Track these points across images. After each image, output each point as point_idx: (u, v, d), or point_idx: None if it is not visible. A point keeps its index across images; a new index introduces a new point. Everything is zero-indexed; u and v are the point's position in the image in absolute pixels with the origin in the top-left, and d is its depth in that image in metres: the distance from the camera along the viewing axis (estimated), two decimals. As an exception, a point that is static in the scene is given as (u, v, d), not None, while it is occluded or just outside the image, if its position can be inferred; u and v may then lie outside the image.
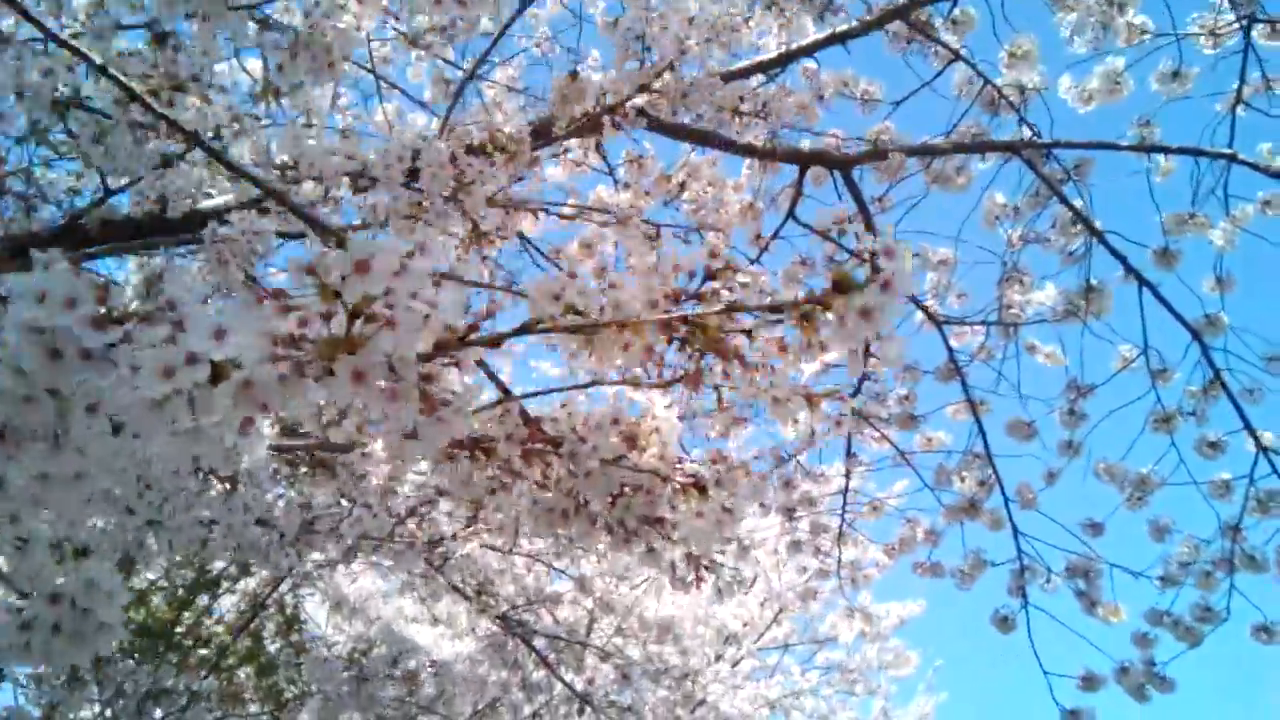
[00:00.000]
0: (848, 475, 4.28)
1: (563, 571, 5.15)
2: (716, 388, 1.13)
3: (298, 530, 1.75)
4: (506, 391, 1.08)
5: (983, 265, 3.84)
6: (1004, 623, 3.95)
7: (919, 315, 3.99)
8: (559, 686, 5.50)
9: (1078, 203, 3.41)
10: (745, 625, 9.29)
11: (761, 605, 9.51)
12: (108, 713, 3.18)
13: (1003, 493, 3.84)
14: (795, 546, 4.72)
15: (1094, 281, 3.51)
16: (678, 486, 1.09)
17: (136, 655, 3.43)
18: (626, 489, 1.09)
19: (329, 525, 1.78)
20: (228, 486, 1.63)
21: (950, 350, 3.77)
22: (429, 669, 4.37)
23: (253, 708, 3.43)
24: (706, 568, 1.38)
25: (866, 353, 4.07)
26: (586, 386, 1.09)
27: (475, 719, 4.25)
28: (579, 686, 5.34)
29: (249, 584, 3.99)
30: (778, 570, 9.29)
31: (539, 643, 5.36)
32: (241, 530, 1.69)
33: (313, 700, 2.70)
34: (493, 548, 5.20)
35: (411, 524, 2.79)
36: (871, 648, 9.86)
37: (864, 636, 9.36)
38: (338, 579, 5.36)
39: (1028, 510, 3.82)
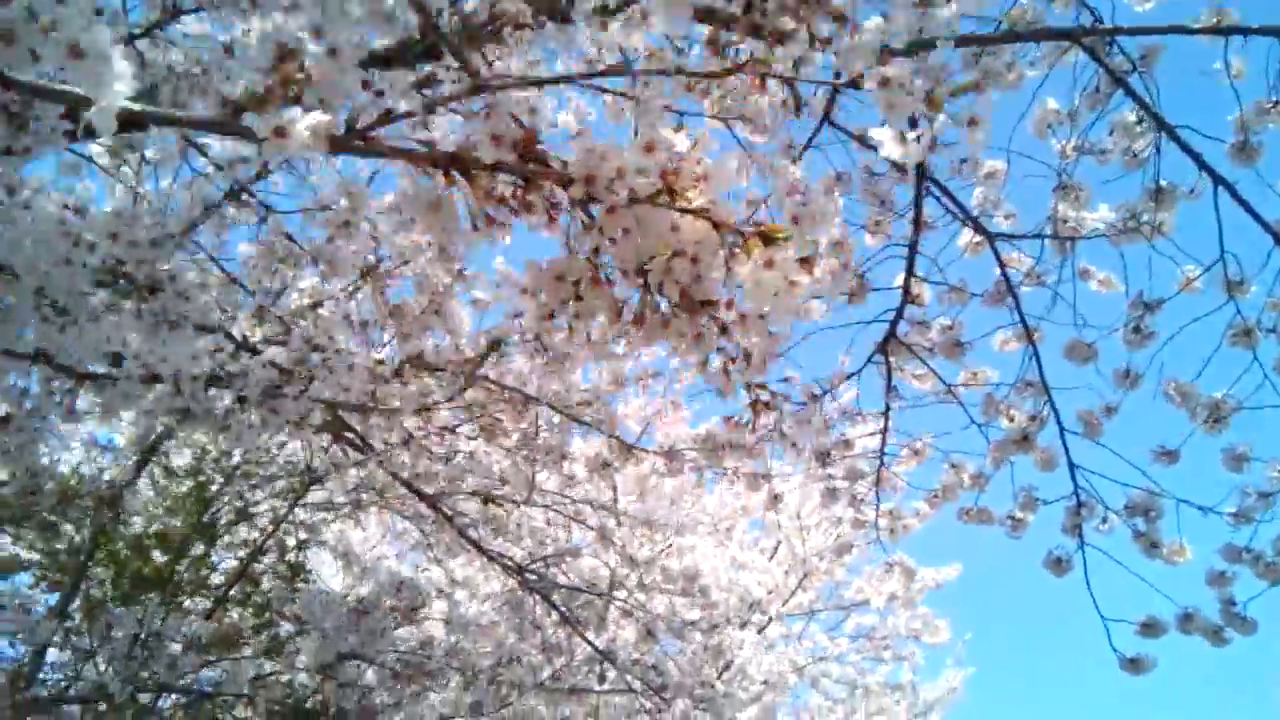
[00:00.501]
0: (886, 412, 3.99)
1: (583, 522, 4.89)
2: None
3: (262, 393, 1.49)
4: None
5: (1032, 179, 3.49)
6: (1058, 564, 3.66)
7: (966, 234, 3.68)
8: (580, 646, 5.26)
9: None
10: (770, 592, 9.03)
11: (786, 573, 9.25)
12: (98, 658, 2.96)
13: (1059, 422, 3.55)
14: (831, 494, 4.43)
15: (1163, 184, 3.19)
16: (738, 239, 0.81)
17: (129, 602, 3.21)
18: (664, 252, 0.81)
19: (296, 391, 1.51)
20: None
21: (1002, 266, 3.46)
22: (442, 619, 4.13)
23: (247, 651, 3.21)
24: (766, 399, 1.10)
25: (910, 275, 3.78)
26: (601, 75, 0.80)
27: (494, 672, 4.02)
28: (601, 645, 5.10)
29: (250, 534, 3.77)
30: (801, 536, 9.04)
31: (558, 599, 5.12)
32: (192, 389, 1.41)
33: (309, 639, 2.47)
34: (507, 499, 4.95)
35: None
36: (901, 616, 9.59)
37: (896, 600, 9.10)
38: (347, 534, 5.14)
39: (1087, 441, 3.52)
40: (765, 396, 1.21)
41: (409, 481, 4.40)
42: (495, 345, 2.64)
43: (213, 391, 1.45)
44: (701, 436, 3.57)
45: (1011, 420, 3.90)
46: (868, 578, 9.45)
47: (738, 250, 0.88)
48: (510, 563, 5.02)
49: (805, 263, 0.84)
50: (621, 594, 4.85)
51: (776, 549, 9.46)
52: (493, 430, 4.33)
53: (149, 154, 3.16)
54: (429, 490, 4.50)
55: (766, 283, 0.85)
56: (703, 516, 7.28)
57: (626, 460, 3.41)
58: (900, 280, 3.68)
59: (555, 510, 4.90)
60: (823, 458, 4.33)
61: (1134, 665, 3.57)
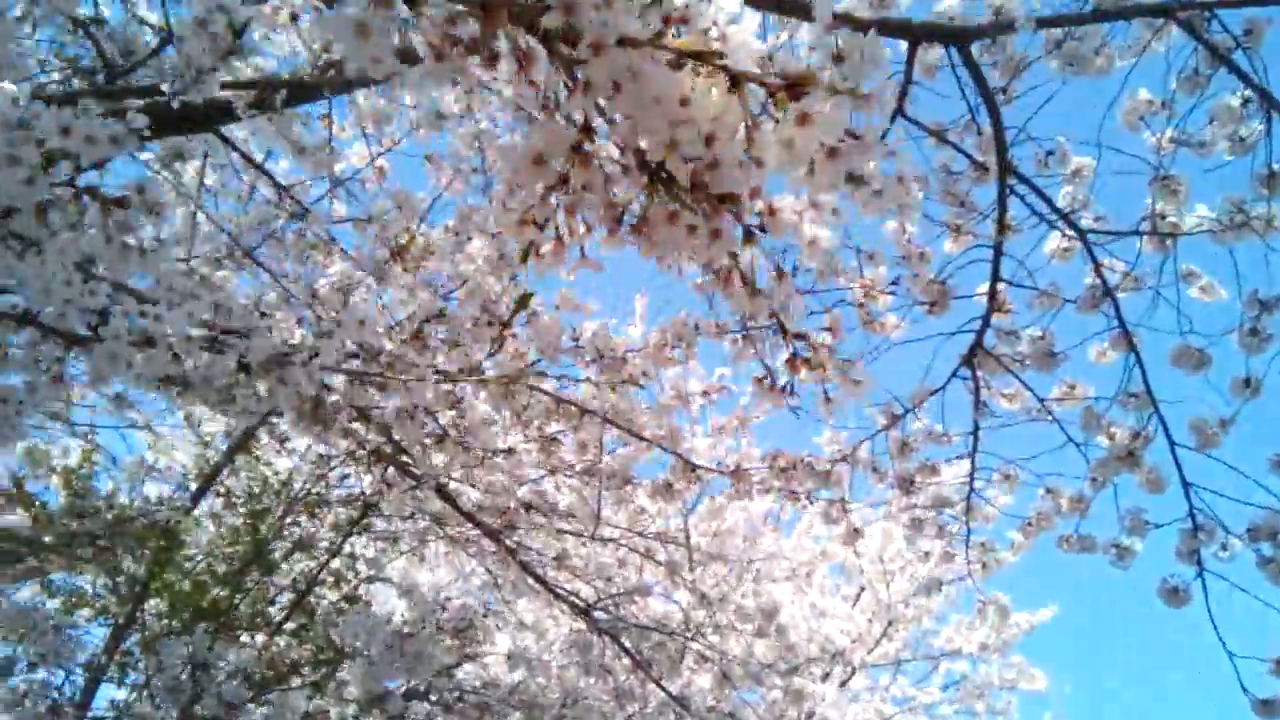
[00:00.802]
0: (975, 432, 3.71)
1: (653, 558, 4.67)
2: None
3: (269, 360, 1.35)
4: None
5: (1123, 176, 3.24)
6: (1175, 595, 3.32)
7: (1055, 238, 3.44)
8: (654, 692, 5.01)
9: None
10: (853, 641, 8.63)
11: (870, 620, 8.83)
12: (150, 691, 2.85)
13: (1168, 437, 3.23)
14: (916, 526, 4.15)
15: (1276, 168, 2.91)
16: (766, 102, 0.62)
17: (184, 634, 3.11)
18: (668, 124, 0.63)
19: (304, 357, 1.37)
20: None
21: (1098, 267, 3.20)
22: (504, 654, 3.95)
23: (295, 681, 3.07)
24: (806, 354, 0.92)
25: (996, 281, 3.53)
26: None
27: (560, 712, 3.81)
28: (675, 690, 4.84)
29: (308, 565, 3.67)
30: (885, 580, 8.62)
31: (628, 641, 4.89)
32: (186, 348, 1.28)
33: (355, 665, 2.31)
34: (570, 532, 4.77)
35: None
36: (993, 664, 9.05)
37: (988, 649, 8.60)
38: (412, 571, 5.00)
39: (1201, 456, 3.20)
40: (804, 350, 1.02)
41: (469, 514, 4.26)
42: (524, 300, 2.48)
43: (210, 357, 1.33)
44: (771, 457, 3.35)
45: (1113, 438, 3.59)
46: (957, 625, 8.99)
47: (766, 118, 0.70)
48: (579, 601, 4.83)
49: (863, 99, 0.65)
50: (694, 635, 4.60)
51: (859, 596, 9.05)
52: (549, 448, 4.18)
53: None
54: (489, 521, 4.35)
55: (801, 145, 0.65)
56: (781, 560, 6.97)
57: (691, 482, 3.20)
58: (985, 288, 3.44)
59: (624, 544, 4.70)
60: (906, 485, 4.05)
61: (1269, 708, 3.19)
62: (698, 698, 4.74)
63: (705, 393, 3.18)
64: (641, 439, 3.07)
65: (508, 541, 4.76)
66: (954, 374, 3.50)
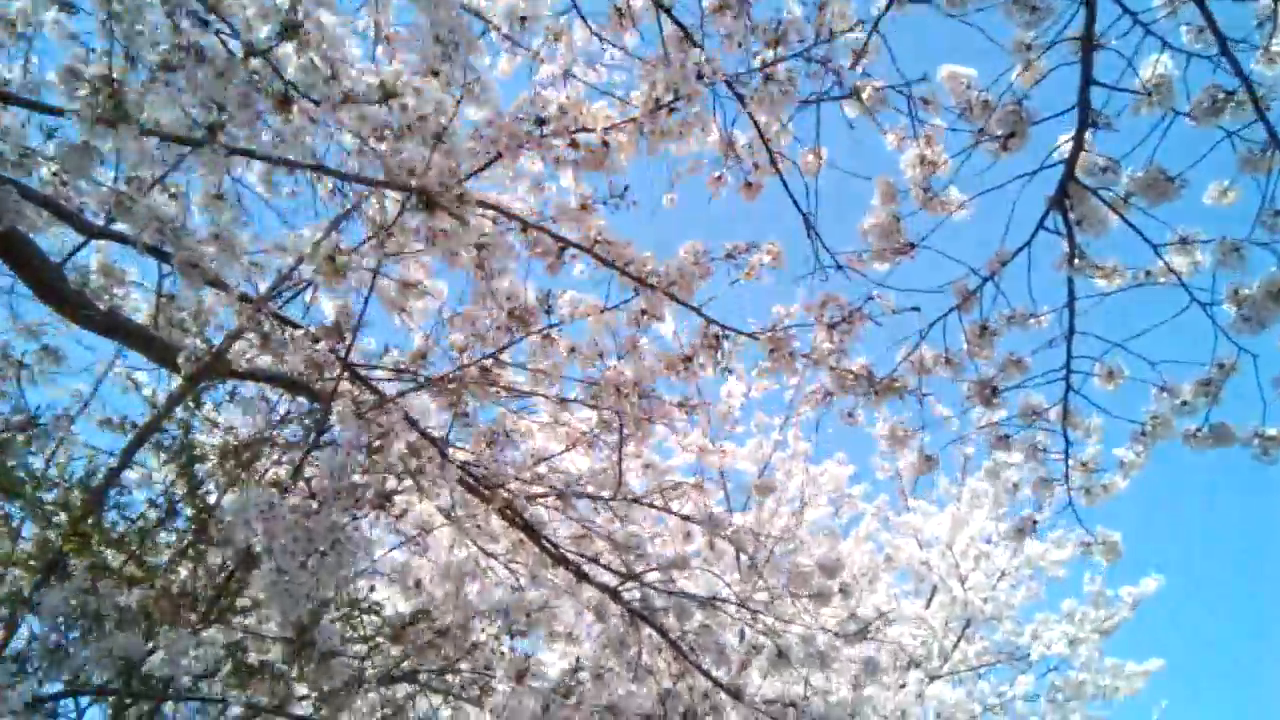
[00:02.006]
0: (1071, 304, 2.97)
1: (685, 518, 3.95)
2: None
3: None
4: None
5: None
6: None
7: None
8: (698, 682, 4.24)
9: None
10: (923, 644, 7.75)
11: (946, 623, 7.95)
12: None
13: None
14: (1002, 444, 3.40)
15: None
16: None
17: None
18: None
19: None
20: None
21: (1224, 45, 2.49)
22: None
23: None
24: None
25: (1087, 87, 2.81)
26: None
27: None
28: (724, 679, 4.07)
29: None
30: (958, 574, 7.75)
31: (665, 625, 4.14)
32: None
33: (260, 573, 1.65)
34: (590, 496, 4.07)
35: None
36: (1086, 661, 8.03)
37: (1078, 645, 7.65)
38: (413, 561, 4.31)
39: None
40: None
41: (474, 483, 3.59)
42: None
43: None
44: (819, 304, 2.64)
45: (1241, 302, 2.84)
46: (1041, 624, 8.04)
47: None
48: (611, 569, 4.12)
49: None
50: (742, 605, 3.85)
51: (932, 596, 8.16)
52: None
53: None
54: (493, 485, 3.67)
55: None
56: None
57: (714, 350, 2.51)
58: (1074, 103, 2.73)
59: (652, 505, 3.99)
60: (987, 394, 3.32)
61: None
62: (751, 686, 3.97)
63: (730, 254, 2.49)
64: (648, 286, 2.38)
65: (519, 514, 4.08)
66: (1040, 224, 2.79)
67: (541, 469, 4.13)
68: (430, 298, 3.39)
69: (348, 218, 2.43)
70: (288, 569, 1.62)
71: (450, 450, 3.85)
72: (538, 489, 4.13)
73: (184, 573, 2.37)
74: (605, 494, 4.05)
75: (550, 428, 4.38)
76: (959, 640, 7.73)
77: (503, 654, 2.99)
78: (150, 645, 2.12)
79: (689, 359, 2.59)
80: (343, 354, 2.58)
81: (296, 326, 3.18)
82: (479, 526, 4.33)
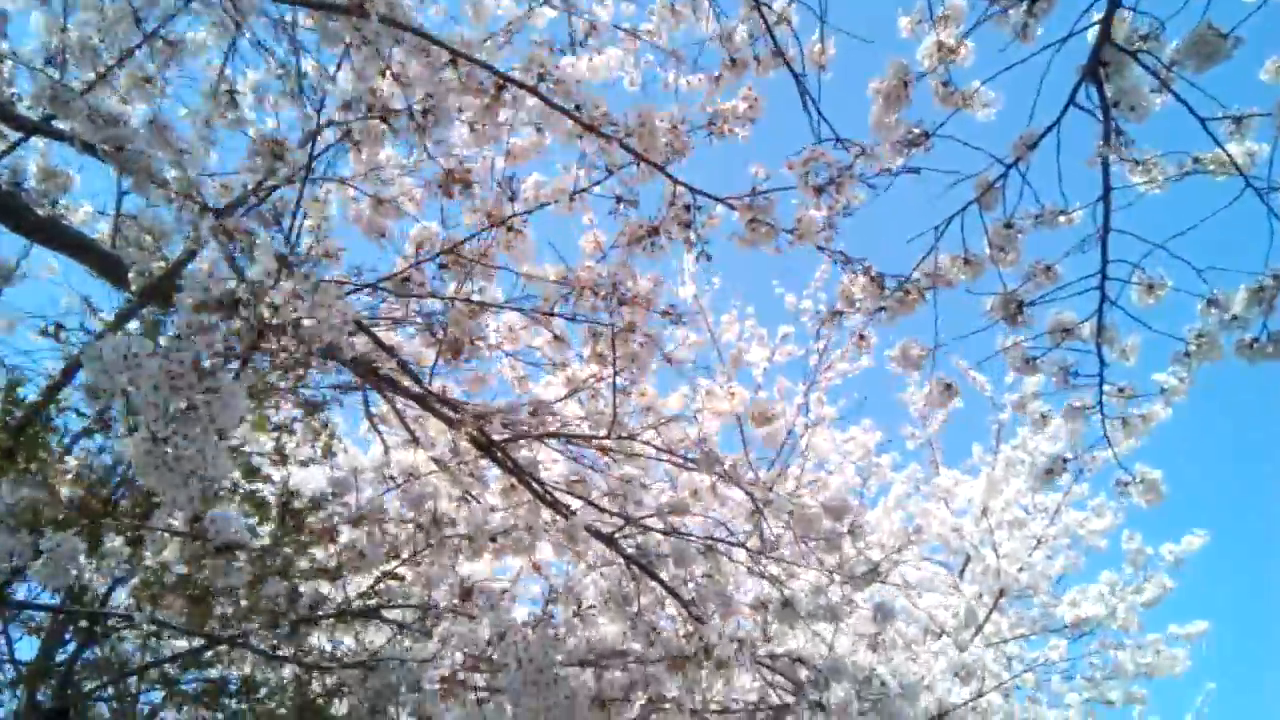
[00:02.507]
0: (1106, 196, 2.63)
1: (682, 460, 3.66)
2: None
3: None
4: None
5: None
6: None
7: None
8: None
9: None
10: (954, 615, 7.39)
11: (980, 595, 7.58)
12: None
13: None
14: (1028, 365, 3.06)
15: None
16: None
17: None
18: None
19: None
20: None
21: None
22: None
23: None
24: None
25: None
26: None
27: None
28: (727, 631, 3.78)
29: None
30: (989, 537, 7.38)
31: (665, 574, 3.86)
32: None
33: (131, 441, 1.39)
34: (583, 438, 3.80)
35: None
36: (1125, 650, 7.61)
37: (1115, 615, 7.23)
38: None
39: None
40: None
41: (449, 410, 3.34)
42: None
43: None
44: (802, 160, 2.32)
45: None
46: (1075, 596, 7.60)
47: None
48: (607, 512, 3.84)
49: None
50: (744, 543, 3.56)
51: (965, 566, 7.78)
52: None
53: None
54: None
55: None
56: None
57: (684, 225, 2.20)
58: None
59: (647, 443, 3.71)
60: (1013, 309, 2.99)
61: None
62: (757, 640, 3.67)
63: (711, 123, 2.19)
64: (602, 135, 2.07)
65: (515, 456, 3.81)
66: (1071, 98, 2.45)
67: (535, 416, 3.87)
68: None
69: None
70: (162, 434, 1.37)
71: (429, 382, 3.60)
72: (527, 430, 3.87)
73: (74, 462, 2.13)
74: (600, 435, 3.78)
75: (548, 384, 4.13)
76: (991, 611, 7.36)
77: (450, 568, 2.72)
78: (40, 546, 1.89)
79: (655, 230, 2.29)
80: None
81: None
82: (471, 474, 4.09)
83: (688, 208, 2.21)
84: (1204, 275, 2.80)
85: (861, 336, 3.04)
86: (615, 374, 3.54)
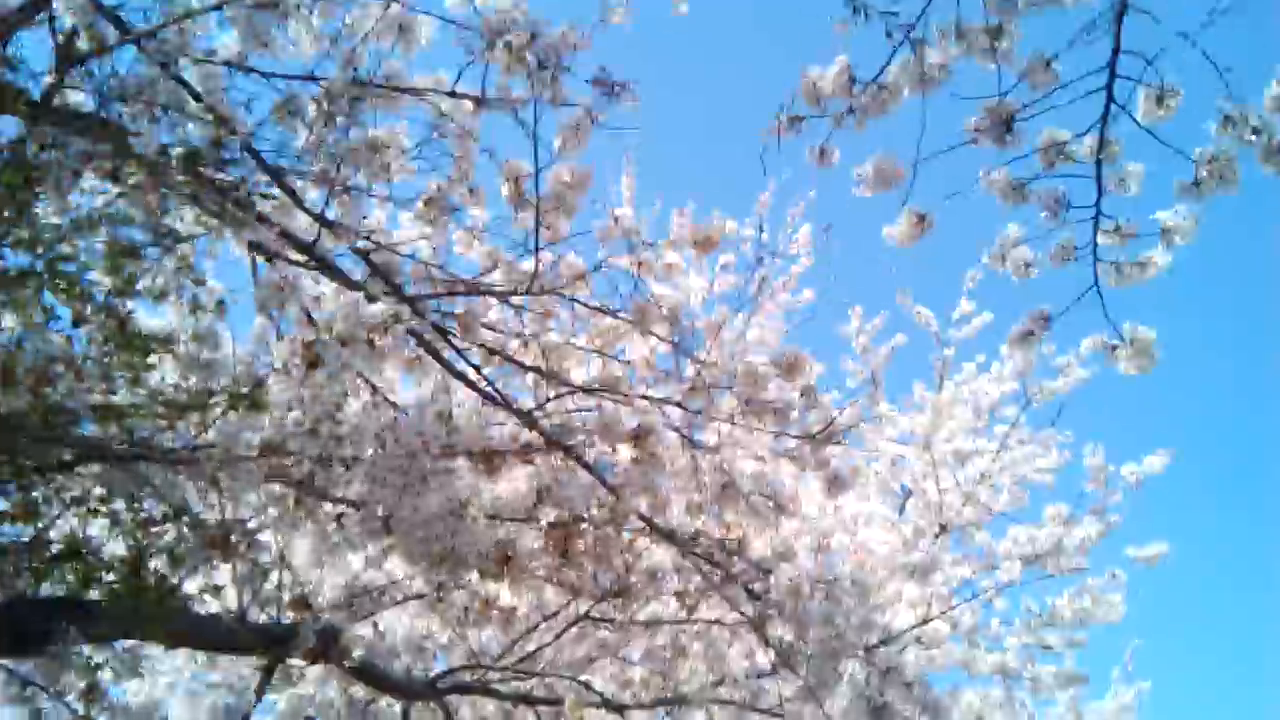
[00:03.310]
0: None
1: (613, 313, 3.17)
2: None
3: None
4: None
5: None
6: None
7: None
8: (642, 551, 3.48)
9: None
10: (890, 550, 7.03)
11: (921, 529, 7.23)
12: None
13: None
14: (1018, 192, 2.64)
15: None
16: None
17: None
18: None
19: None
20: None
21: None
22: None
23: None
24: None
25: None
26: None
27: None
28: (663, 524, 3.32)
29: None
30: (934, 475, 7.07)
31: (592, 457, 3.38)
32: None
33: None
34: (499, 293, 3.30)
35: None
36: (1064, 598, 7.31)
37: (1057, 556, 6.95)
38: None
39: None
40: None
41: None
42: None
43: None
44: None
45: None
46: (1018, 533, 7.29)
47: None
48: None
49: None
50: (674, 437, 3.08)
51: (905, 501, 7.45)
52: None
53: None
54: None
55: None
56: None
57: None
58: None
59: (573, 300, 3.21)
60: (1001, 122, 2.57)
61: None
62: (691, 528, 3.22)
63: None
64: None
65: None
66: None
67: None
68: None
69: None
70: None
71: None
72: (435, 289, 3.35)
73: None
74: (517, 291, 3.26)
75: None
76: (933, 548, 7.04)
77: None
78: None
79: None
80: None
81: None
82: (369, 343, 3.54)
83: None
84: (1226, 77, 2.39)
85: (823, 151, 2.59)
86: (538, 216, 3.05)
